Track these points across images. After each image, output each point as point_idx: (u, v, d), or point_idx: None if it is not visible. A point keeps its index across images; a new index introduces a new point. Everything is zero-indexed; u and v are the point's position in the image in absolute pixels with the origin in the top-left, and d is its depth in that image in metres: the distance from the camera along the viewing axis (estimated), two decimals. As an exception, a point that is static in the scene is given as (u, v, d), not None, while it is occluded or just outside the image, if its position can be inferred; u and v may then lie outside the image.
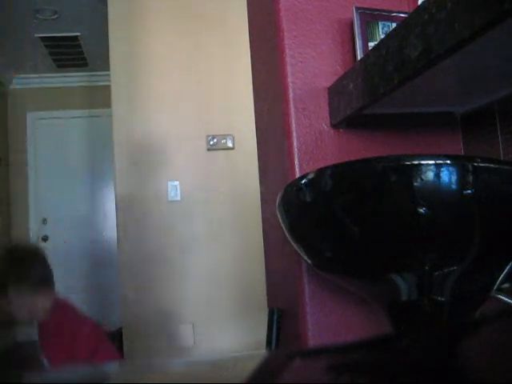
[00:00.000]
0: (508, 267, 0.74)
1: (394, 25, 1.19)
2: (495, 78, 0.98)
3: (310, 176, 0.85)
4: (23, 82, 4.63)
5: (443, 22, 0.72)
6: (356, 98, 1.05)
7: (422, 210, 0.69)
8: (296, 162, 1.20)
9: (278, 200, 0.94)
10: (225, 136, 2.85)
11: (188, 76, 2.87)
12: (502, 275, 0.75)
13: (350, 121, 1.17)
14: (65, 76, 4.65)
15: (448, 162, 0.68)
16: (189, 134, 2.82)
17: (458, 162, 0.70)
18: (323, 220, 0.84)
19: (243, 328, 2.71)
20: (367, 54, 1.02)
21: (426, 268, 0.74)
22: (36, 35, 3.77)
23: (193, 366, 0.30)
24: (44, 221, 4.52)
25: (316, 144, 1.21)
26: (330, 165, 0.95)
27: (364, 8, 1.21)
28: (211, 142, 2.83)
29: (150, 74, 2.85)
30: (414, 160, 0.69)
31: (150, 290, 2.73)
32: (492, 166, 0.71)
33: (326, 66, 1.25)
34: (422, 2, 0.78)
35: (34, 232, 4.48)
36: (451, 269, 0.73)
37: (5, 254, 1.38)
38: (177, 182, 2.79)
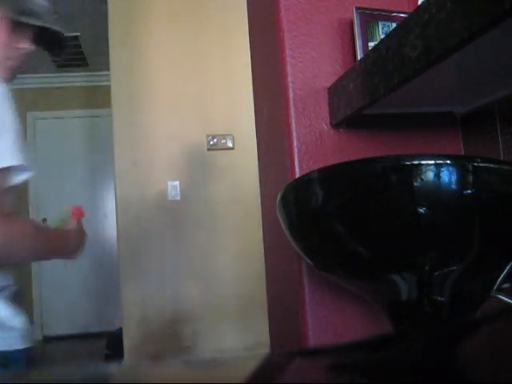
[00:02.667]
0: (508, 267, 0.74)
1: (394, 25, 1.19)
2: (495, 78, 0.98)
3: (310, 176, 0.85)
4: (23, 81, 4.63)
5: (443, 22, 0.72)
6: (356, 98, 1.05)
7: (422, 210, 0.69)
8: (296, 162, 1.20)
9: (277, 200, 0.94)
10: (225, 136, 2.85)
11: (188, 76, 2.87)
12: (502, 275, 0.75)
13: (350, 121, 1.17)
14: (65, 76, 4.65)
15: (448, 162, 0.68)
16: (189, 134, 2.82)
17: (458, 161, 0.70)
18: (323, 220, 0.84)
19: (243, 328, 2.71)
20: (367, 53, 1.02)
21: (426, 268, 0.74)
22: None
23: (193, 366, 0.30)
24: (44, 221, 4.53)
25: (316, 144, 1.21)
26: (330, 165, 0.95)
27: (364, 8, 1.21)
28: (211, 142, 2.83)
29: (149, 73, 2.85)
30: (414, 160, 0.69)
31: (150, 290, 2.73)
32: (492, 166, 0.71)
33: (326, 66, 1.25)
34: (422, 2, 0.78)
35: (33, 232, 4.48)
36: (451, 269, 0.73)
37: None
38: (177, 182, 2.79)
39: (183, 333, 2.70)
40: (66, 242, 1.10)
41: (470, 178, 0.68)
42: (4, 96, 0.95)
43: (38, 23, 1.05)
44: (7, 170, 0.91)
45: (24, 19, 1.03)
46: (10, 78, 1.08)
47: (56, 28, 1.09)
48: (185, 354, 2.64)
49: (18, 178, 0.96)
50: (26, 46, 1.06)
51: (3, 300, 0.98)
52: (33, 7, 1.05)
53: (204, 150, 2.83)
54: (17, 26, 1.03)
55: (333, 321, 1.17)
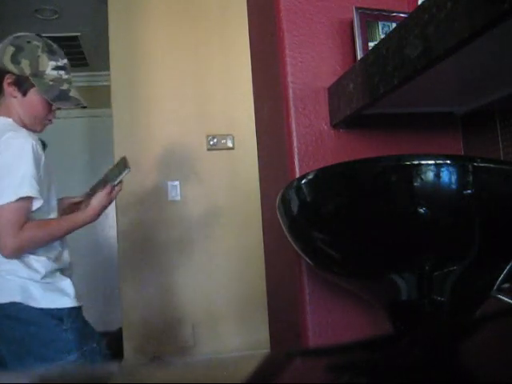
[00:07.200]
0: (508, 267, 0.74)
1: (394, 25, 1.19)
2: (495, 78, 0.98)
3: (310, 176, 0.85)
4: (23, 82, 4.63)
5: (443, 22, 0.72)
6: (356, 98, 1.05)
7: (421, 210, 0.69)
8: (296, 162, 1.20)
9: (277, 200, 0.94)
10: (225, 136, 2.85)
11: (188, 76, 2.87)
12: (502, 275, 0.75)
13: (350, 121, 1.17)
14: (65, 76, 4.65)
15: (448, 162, 0.68)
16: (189, 134, 2.82)
17: (458, 161, 0.70)
18: (323, 220, 0.84)
19: (243, 328, 2.71)
20: (367, 54, 1.02)
21: (426, 268, 0.74)
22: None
23: (193, 366, 0.30)
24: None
25: (316, 144, 1.21)
26: (330, 165, 0.95)
27: (364, 8, 1.21)
28: (211, 142, 2.83)
29: (149, 73, 2.85)
30: (414, 160, 0.69)
31: (150, 290, 2.73)
32: (492, 165, 0.71)
33: (326, 66, 1.25)
34: (422, 2, 0.78)
35: (34, 232, 4.47)
36: (451, 269, 0.73)
37: None
38: (177, 182, 2.79)
39: (183, 333, 2.70)
40: (72, 223, 1.47)
41: (470, 178, 0.68)
42: (24, 150, 1.36)
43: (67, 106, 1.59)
44: (25, 200, 1.28)
45: (59, 104, 1.54)
46: (42, 129, 1.67)
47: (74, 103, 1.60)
48: (185, 355, 2.64)
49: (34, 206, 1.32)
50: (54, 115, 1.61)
51: (61, 274, 1.49)
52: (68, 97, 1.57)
53: (204, 149, 2.83)
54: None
55: (333, 321, 1.17)
